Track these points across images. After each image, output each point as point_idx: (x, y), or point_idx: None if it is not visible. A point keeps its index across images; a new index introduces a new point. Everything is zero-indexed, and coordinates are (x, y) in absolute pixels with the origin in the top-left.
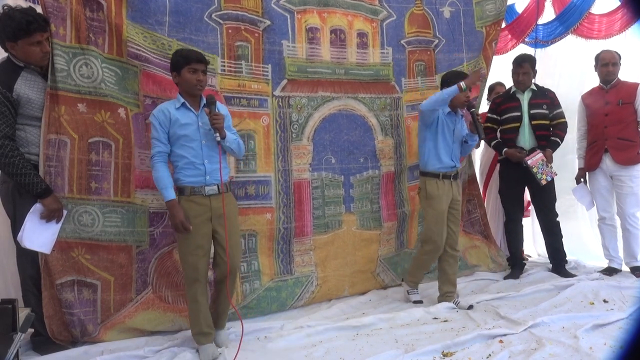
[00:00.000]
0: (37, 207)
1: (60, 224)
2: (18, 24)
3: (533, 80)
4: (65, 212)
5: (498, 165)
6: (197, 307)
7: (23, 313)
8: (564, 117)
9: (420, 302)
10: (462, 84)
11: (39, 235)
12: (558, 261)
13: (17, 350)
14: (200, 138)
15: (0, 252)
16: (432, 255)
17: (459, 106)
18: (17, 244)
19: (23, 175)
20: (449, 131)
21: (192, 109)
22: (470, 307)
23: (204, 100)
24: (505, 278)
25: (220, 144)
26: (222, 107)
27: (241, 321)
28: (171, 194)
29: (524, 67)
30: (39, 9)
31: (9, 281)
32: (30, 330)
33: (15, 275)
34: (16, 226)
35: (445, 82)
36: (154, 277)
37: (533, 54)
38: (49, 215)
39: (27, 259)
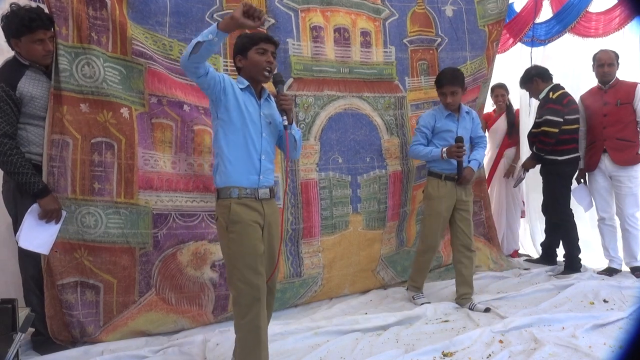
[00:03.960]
0: (34, 208)
1: (59, 225)
2: (21, 21)
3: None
4: (64, 213)
5: (499, 167)
6: (258, 336)
7: (23, 313)
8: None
9: (428, 302)
10: (445, 154)
11: (36, 235)
12: (566, 261)
13: (17, 350)
14: (262, 130)
15: (1, 252)
16: (427, 256)
17: (450, 156)
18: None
19: (20, 174)
20: (449, 134)
21: (255, 96)
22: (487, 309)
23: (267, 93)
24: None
25: (287, 131)
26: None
27: None
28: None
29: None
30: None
31: (10, 281)
32: (31, 330)
33: (16, 275)
34: (17, 226)
35: (435, 83)
36: (158, 279)
37: (530, 54)
38: (47, 216)
39: (29, 259)
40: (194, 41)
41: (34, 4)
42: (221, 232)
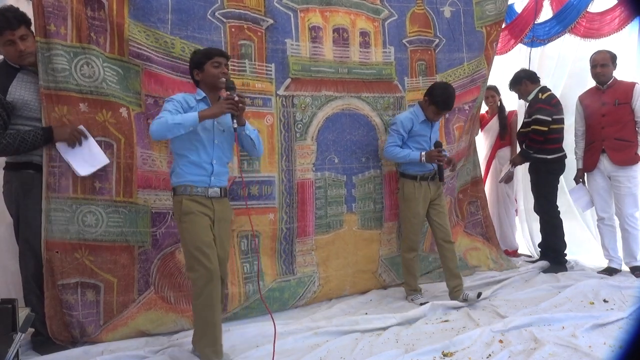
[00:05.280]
0: (61, 147)
1: (90, 137)
2: None
3: None
4: (81, 127)
5: (492, 167)
6: (212, 314)
7: (23, 313)
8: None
9: (427, 302)
10: (424, 158)
11: (87, 159)
12: (550, 258)
13: (17, 350)
14: (214, 137)
15: (1, 252)
16: (411, 255)
17: (430, 161)
18: (20, 244)
19: (23, 145)
20: (423, 138)
21: (210, 105)
22: (479, 294)
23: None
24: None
25: (237, 133)
26: None
27: (272, 317)
28: (194, 113)
29: None
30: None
31: (10, 281)
32: (31, 330)
33: (16, 275)
34: (19, 226)
35: (433, 99)
36: (156, 278)
37: (529, 54)
38: (73, 139)
39: (31, 259)
40: (173, 123)
41: (28, 4)
42: (178, 225)
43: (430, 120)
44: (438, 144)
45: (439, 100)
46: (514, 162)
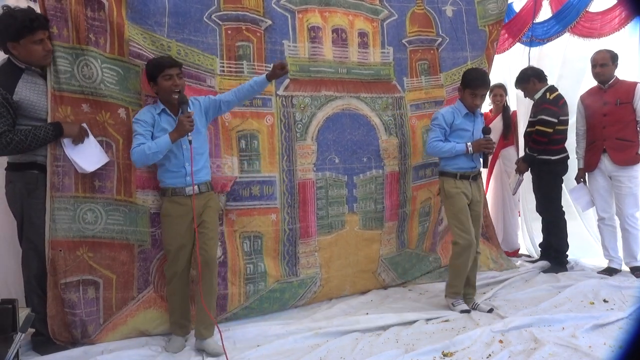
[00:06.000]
0: (66, 142)
1: (92, 136)
2: (21, 22)
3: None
4: (84, 124)
5: (495, 167)
6: (175, 300)
7: (23, 313)
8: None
9: (468, 311)
10: (471, 149)
11: (90, 156)
12: (552, 258)
13: (17, 350)
14: (181, 142)
15: (1, 252)
16: (464, 257)
17: (478, 151)
18: (23, 244)
19: (34, 140)
20: (466, 133)
21: (171, 115)
22: (490, 310)
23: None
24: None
25: (192, 144)
26: (201, 99)
27: (220, 334)
28: (166, 136)
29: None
30: (36, 9)
31: (10, 281)
32: (31, 330)
33: (17, 275)
34: (23, 226)
35: (465, 82)
36: (156, 277)
37: (528, 54)
38: (79, 137)
39: (33, 259)
40: (151, 153)
41: (33, 5)
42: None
43: (472, 110)
44: (487, 130)
45: (470, 78)
46: (520, 170)
